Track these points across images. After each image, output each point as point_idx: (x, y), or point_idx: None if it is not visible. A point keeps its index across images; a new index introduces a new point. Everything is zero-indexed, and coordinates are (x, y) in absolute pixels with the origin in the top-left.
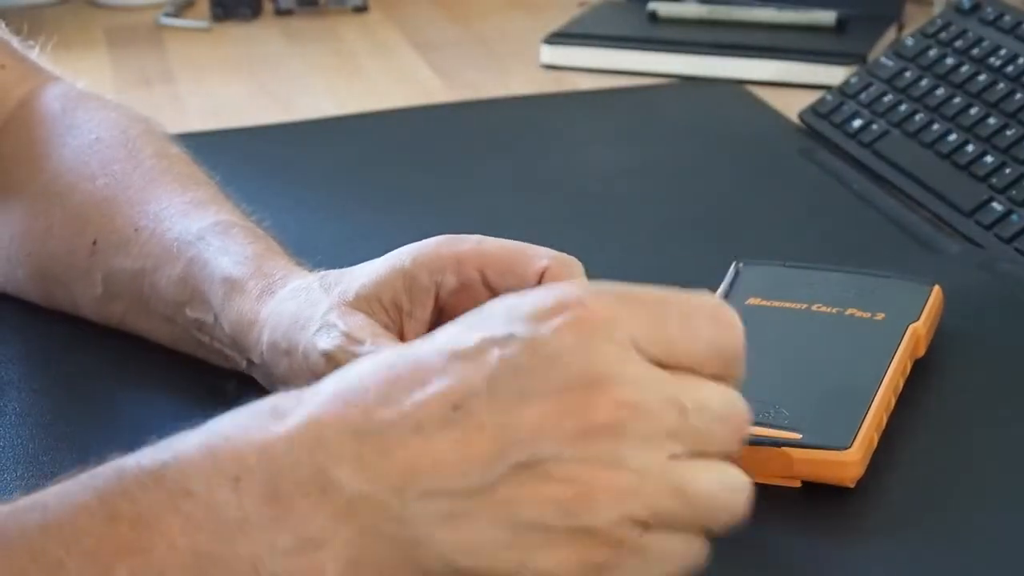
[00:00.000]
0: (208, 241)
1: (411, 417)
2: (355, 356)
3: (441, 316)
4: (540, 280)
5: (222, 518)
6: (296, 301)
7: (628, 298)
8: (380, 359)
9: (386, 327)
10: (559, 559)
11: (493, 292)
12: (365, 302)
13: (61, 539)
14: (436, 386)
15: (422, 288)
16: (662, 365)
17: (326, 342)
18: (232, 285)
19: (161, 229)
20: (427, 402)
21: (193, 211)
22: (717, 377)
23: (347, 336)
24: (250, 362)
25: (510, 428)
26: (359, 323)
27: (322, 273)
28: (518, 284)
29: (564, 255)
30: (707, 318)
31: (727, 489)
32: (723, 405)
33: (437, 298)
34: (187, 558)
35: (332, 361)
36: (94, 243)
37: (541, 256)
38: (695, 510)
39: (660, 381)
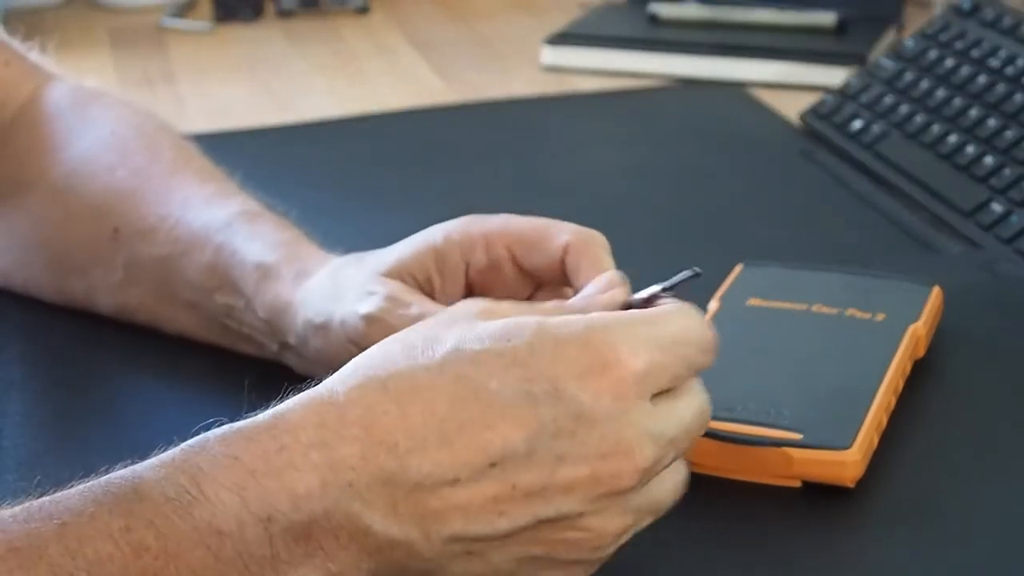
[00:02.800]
0: (236, 228)
1: (448, 471)
2: (400, 318)
3: (471, 292)
4: (564, 255)
5: (252, 554)
6: (332, 280)
7: (653, 346)
8: (412, 387)
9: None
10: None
11: (521, 269)
12: (398, 274)
13: (84, 563)
14: (474, 439)
15: (453, 266)
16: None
17: (367, 306)
18: (266, 271)
19: (187, 218)
20: (466, 457)
21: (218, 201)
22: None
23: (389, 299)
24: (283, 345)
25: (544, 491)
26: (399, 288)
27: (356, 255)
28: (543, 261)
29: (586, 230)
30: (698, 342)
31: (680, 486)
32: (696, 416)
33: (467, 275)
34: None
35: (374, 322)
36: (116, 230)
37: (563, 232)
38: (658, 511)
39: (662, 426)
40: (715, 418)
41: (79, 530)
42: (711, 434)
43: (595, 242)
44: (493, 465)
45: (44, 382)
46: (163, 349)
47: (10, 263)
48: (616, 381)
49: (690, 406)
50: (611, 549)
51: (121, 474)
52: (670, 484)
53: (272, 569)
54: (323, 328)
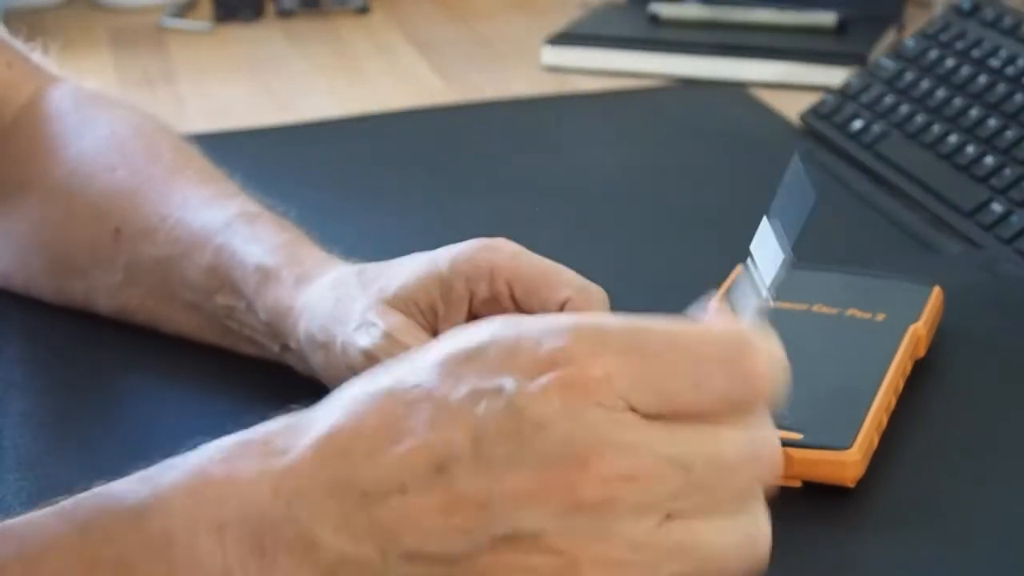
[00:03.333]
0: (236, 229)
1: (394, 477)
2: (395, 358)
3: (475, 319)
4: (561, 309)
5: (206, 567)
6: (335, 294)
7: (628, 349)
8: (375, 396)
9: (421, 327)
10: None
11: (519, 308)
12: (402, 302)
13: None
14: (420, 440)
15: (458, 296)
16: (667, 416)
17: (366, 340)
18: (266, 273)
19: (187, 218)
20: (411, 460)
21: (218, 202)
22: (737, 417)
23: (387, 336)
24: (285, 347)
25: (491, 500)
26: (399, 324)
27: (359, 267)
28: (540, 309)
29: (589, 286)
30: (721, 363)
31: (740, 543)
32: (740, 453)
33: (471, 304)
34: None
35: (371, 359)
36: (117, 231)
37: (565, 286)
38: (705, 567)
39: (660, 442)
40: None
41: (38, 546)
42: None
43: (594, 303)
44: (440, 471)
45: (44, 382)
46: (163, 349)
47: (10, 264)
48: (566, 381)
49: (732, 436)
50: None
51: (91, 492)
52: (723, 537)
53: None
54: (325, 347)
